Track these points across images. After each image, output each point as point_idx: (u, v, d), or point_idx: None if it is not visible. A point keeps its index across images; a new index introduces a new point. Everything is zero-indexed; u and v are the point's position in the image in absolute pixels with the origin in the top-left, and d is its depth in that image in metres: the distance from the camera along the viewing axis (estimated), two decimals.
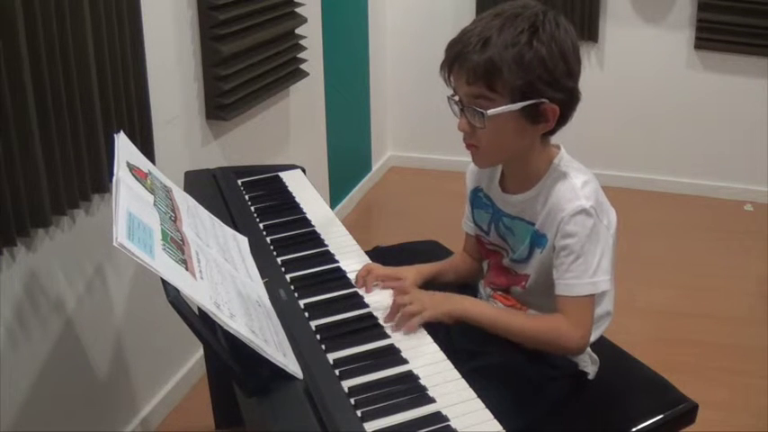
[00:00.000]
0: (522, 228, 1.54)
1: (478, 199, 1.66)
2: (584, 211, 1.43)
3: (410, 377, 1.26)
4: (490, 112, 1.41)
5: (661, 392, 1.64)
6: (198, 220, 1.49)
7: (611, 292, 1.59)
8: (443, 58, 1.47)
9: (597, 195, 1.47)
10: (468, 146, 1.50)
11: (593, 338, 1.58)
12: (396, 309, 1.43)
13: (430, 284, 1.63)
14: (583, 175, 1.49)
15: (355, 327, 1.40)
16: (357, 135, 4.08)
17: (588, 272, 1.44)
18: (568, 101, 1.44)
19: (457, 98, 1.47)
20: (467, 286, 1.74)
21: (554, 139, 1.54)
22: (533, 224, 1.51)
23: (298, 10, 2.94)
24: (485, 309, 1.52)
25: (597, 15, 3.89)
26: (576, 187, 1.46)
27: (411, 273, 1.61)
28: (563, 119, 1.45)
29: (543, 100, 1.41)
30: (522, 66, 1.38)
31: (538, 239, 1.51)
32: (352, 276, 1.58)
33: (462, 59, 1.42)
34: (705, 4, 3.73)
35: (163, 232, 1.24)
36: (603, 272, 1.45)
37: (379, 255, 1.73)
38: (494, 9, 1.45)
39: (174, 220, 1.36)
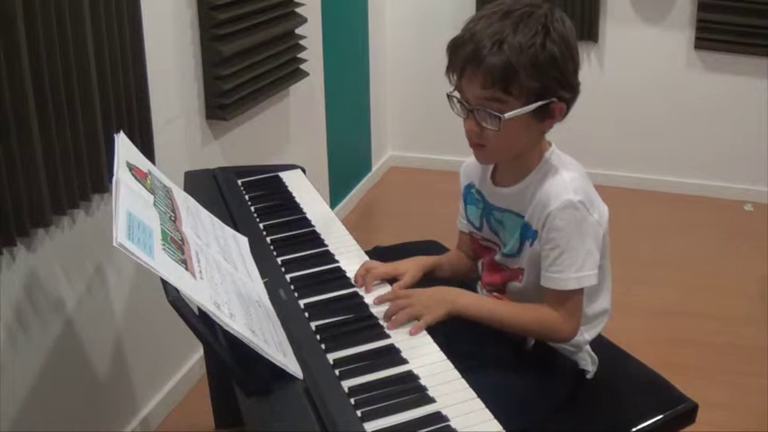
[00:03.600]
0: (511, 220, 1.54)
1: (470, 195, 1.66)
2: (571, 205, 1.43)
3: (410, 377, 1.26)
4: (507, 115, 1.41)
5: (661, 392, 1.64)
6: (198, 221, 1.49)
7: (608, 289, 1.60)
8: (450, 58, 1.45)
9: (587, 190, 1.47)
10: (475, 145, 1.50)
11: (590, 337, 1.59)
12: (394, 310, 1.43)
13: (428, 278, 1.64)
14: (573, 169, 1.50)
15: (355, 327, 1.40)
16: (357, 135, 4.08)
17: (573, 267, 1.44)
18: (574, 97, 1.47)
19: (459, 96, 1.46)
20: (466, 287, 1.74)
21: (552, 138, 1.54)
22: (522, 216, 1.52)
23: (298, 10, 2.94)
24: (479, 304, 1.52)
25: (597, 15, 3.89)
26: (564, 181, 1.46)
27: (411, 266, 1.60)
28: (566, 114, 1.47)
29: (554, 99, 1.42)
30: (538, 68, 1.39)
31: (528, 232, 1.51)
32: (352, 276, 1.58)
33: (477, 62, 1.40)
34: (705, 4, 3.73)
35: (163, 232, 1.24)
36: (590, 267, 1.46)
37: (378, 255, 1.72)
38: (496, 6, 1.44)
39: (174, 220, 1.36)
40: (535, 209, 1.48)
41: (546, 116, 1.45)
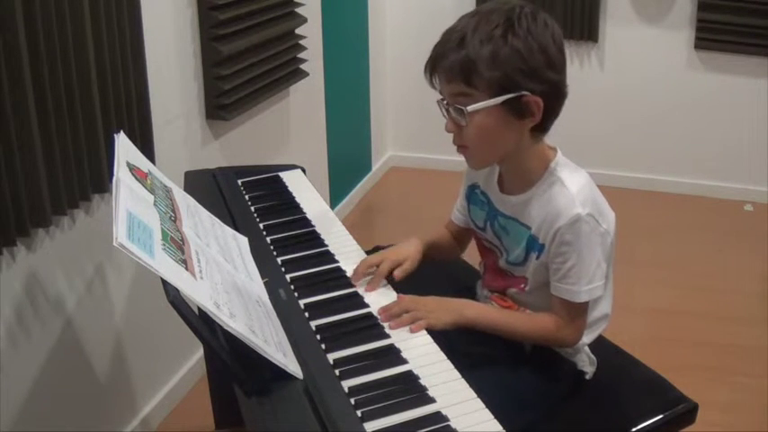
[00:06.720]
0: (516, 229, 1.54)
1: (475, 195, 1.66)
2: (580, 220, 1.43)
3: (410, 377, 1.26)
4: (470, 108, 1.41)
5: (661, 392, 1.64)
6: (198, 220, 1.49)
7: (609, 294, 1.60)
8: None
9: (594, 200, 1.46)
10: (459, 147, 1.50)
11: (588, 340, 1.60)
12: (398, 312, 1.43)
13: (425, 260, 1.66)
14: (579, 179, 1.48)
15: (355, 327, 1.40)
16: (357, 135, 4.08)
17: (583, 280, 1.45)
18: (553, 92, 1.43)
19: (442, 98, 1.48)
20: (466, 290, 1.74)
21: (552, 138, 1.54)
22: (529, 228, 1.51)
23: (298, 10, 2.94)
24: (487, 316, 1.52)
25: (597, 15, 3.89)
26: (572, 194, 1.45)
27: (412, 252, 1.62)
28: (551, 112, 1.44)
29: (524, 92, 1.40)
30: (498, 59, 1.38)
31: (534, 245, 1.50)
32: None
33: (441, 59, 1.43)
34: (705, 4, 3.74)
35: (163, 232, 1.24)
36: (599, 278, 1.46)
37: None
38: (476, 8, 1.48)
39: (174, 220, 1.36)
40: (543, 223, 1.48)
41: (523, 112, 1.42)
